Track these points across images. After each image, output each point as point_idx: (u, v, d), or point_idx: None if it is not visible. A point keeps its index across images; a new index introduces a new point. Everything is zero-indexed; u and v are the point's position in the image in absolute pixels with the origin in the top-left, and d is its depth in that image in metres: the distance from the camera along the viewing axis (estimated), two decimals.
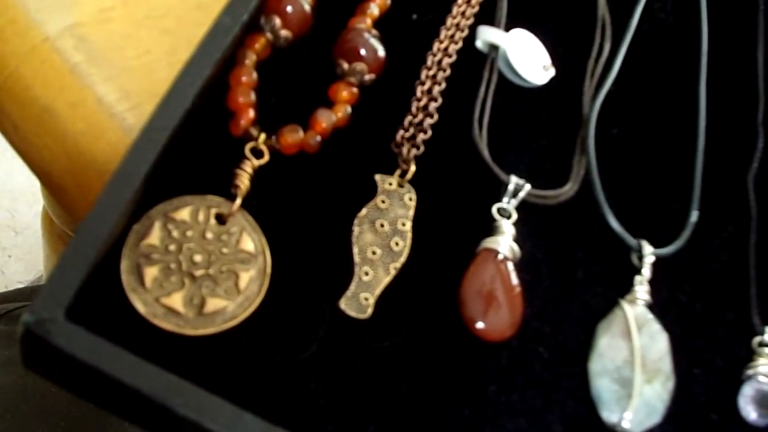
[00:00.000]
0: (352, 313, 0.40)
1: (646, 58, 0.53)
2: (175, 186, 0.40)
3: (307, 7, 0.44)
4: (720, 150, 0.51)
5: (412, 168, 0.43)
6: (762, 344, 0.46)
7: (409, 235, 0.42)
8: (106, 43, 0.46)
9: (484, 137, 0.45)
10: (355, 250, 0.41)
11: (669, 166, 0.50)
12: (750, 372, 0.46)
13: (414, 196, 0.42)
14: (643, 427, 0.42)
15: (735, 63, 0.54)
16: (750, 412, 0.45)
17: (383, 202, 0.42)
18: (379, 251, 0.41)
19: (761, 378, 0.45)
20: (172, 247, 0.39)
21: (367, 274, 0.40)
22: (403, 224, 0.41)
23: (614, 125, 0.50)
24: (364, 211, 0.42)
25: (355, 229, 0.41)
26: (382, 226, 0.41)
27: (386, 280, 0.40)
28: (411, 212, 0.42)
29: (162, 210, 0.40)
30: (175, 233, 0.39)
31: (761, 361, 0.46)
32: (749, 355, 0.47)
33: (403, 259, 0.41)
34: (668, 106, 0.52)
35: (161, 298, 0.38)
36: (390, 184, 0.42)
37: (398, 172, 0.43)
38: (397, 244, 0.41)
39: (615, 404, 0.42)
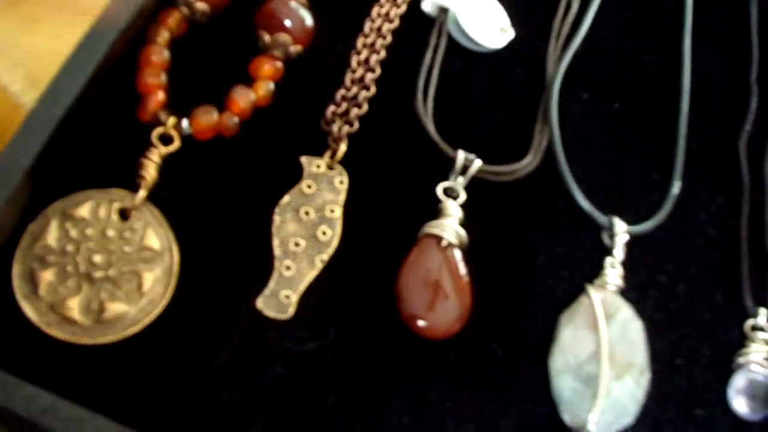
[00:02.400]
0: (271, 314, 0.35)
1: (623, 14, 0.47)
2: (75, 180, 0.36)
3: None
4: (707, 112, 0.45)
5: (342, 147, 0.38)
6: (755, 328, 0.41)
7: (339, 222, 0.37)
8: (14, 27, 0.42)
9: (429, 109, 0.40)
10: (276, 242, 0.36)
11: (648, 132, 0.44)
12: (741, 360, 0.40)
13: (345, 179, 0.38)
14: (613, 429, 0.37)
15: (726, 14, 0.48)
16: (741, 406, 0.39)
17: (309, 187, 0.37)
18: (303, 242, 0.36)
19: (754, 367, 0.40)
20: (69, 248, 0.35)
21: (288, 268, 0.35)
22: (332, 211, 0.37)
23: (585, 89, 0.44)
24: (286, 198, 0.37)
25: (276, 219, 0.37)
26: (307, 214, 0.36)
27: (311, 274, 0.36)
28: (342, 197, 0.37)
29: (59, 207, 0.36)
30: (74, 232, 0.35)
31: (754, 347, 0.41)
32: (741, 342, 0.41)
33: (331, 250, 0.37)
34: (648, 65, 0.46)
35: (56, 305, 0.34)
36: (318, 166, 0.37)
37: (328, 153, 0.38)
38: (324, 233, 0.36)
39: (578, 405, 0.37)
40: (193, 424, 0.34)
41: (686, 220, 0.43)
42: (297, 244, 0.36)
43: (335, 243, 0.37)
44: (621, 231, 0.41)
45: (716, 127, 0.46)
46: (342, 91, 0.40)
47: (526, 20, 0.45)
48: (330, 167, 0.38)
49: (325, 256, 0.37)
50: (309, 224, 0.37)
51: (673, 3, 0.48)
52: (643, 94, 0.46)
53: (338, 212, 0.37)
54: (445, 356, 0.37)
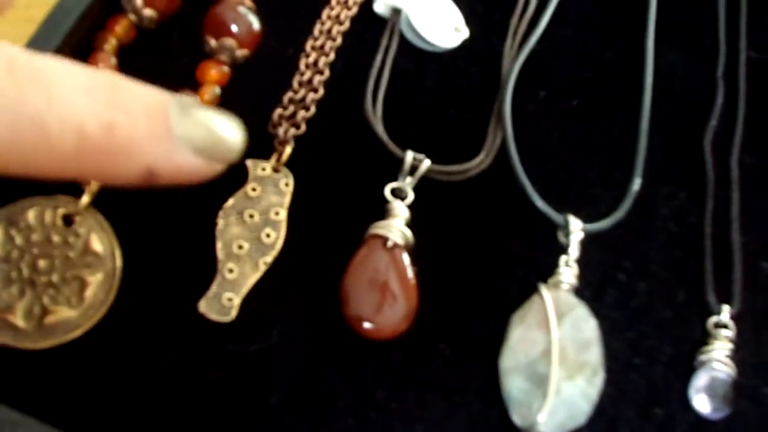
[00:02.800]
0: (214, 316, 0.35)
1: (582, 9, 0.46)
2: (20, 187, 0.36)
3: None
4: (671, 108, 0.45)
5: (288, 150, 0.38)
6: (718, 325, 0.40)
7: (284, 225, 0.37)
8: None
9: (379, 110, 0.40)
10: (219, 245, 0.36)
11: (608, 129, 0.44)
12: (703, 358, 0.40)
13: (291, 182, 0.38)
14: (565, 429, 0.36)
15: (691, 6, 0.48)
16: (703, 405, 0.39)
17: (254, 190, 0.37)
18: (246, 245, 0.36)
19: (716, 365, 0.39)
20: (14, 254, 0.35)
21: (231, 271, 0.35)
22: (277, 213, 0.37)
23: (542, 87, 0.44)
24: (230, 201, 0.37)
25: (220, 222, 0.37)
26: (251, 216, 0.36)
27: (254, 276, 0.36)
28: (286, 199, 0.37)
29: (5, 214, 0.36)
30: (18, 239, 0.35)
31: (717, 344, 0.40)
32: (703, 339, 0.40)
33: (274, 252, 0.37)
34: (609, 61, 0.46)
35: None
36: (263, 169, 0.37)
37: (275, 155, 0.38)
38: (268, 235, 0.36)
39: (528, 405, 0.36)
40: (133, 427, 0.34)
41: (647, 216, 0.43)
42: (240, 247, 0.36)
43: (279, 245, 0.37)
44: (576, 229, 0.40)
45: (680, 123, 0.45)
46: (289, 94, 0.40)
47: (483, 19, 0.45)
48: (275, 170, 0.38)
49: (269, 258, 0.37)
50: (253, 227, 0.37)
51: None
52: (603, 90, 0.45)
53: (283, 215, 0.37)
54: (392, 357, 0.37)
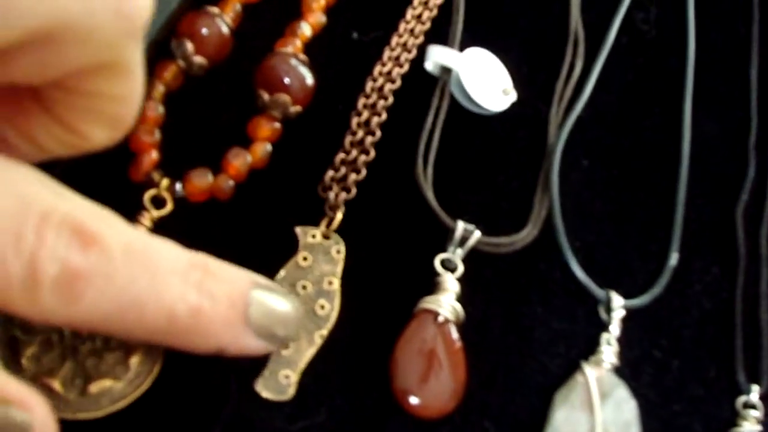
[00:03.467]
0: (271, 395, 0.34)
1: (624, 77, 0.46)
2: None
3: (226, 30, 0.38)
4: (705, 181, 0.45)
5: (339, 216, 0.37)
6: (747, 405, 0.40)
7: (338, 294, 0.36)
8: None
9: (429, 176, 0.39)
10: None
11: (646, 201, 0.43)
12: None
13: (342, 248, 0.37)
14: None
15: (725, 81, 0.48)
16: None
17: (305, 259, 0.36)
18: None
19: None
20: None
21: (287, 346, 0.34)
22: (330, 283, 0.36)
23: (585, 156, 0.43)
24: (282, 272, 0.36)
25: None
26: (304, 288, 0.35)
27: (310, 351, 0.35)
28: (339, 268, 0.36)
29: None
30: None
31: (746, 425, 0.40)
32: (733, 418, 0.40)
33: (330, 324, 0.36)
34: (647, 132, 0.45)
35: (38, 377, 0.32)
36: (313, 236, 0.36)
37: (325, 221, 0.37)
38: (322, 307, 0.35)
39: None
40: None
41: (681, 292, 0.43)
42: None
43: (334, 317, 0.36)
44: (618, 306, 0.40)
45: (713, 195, 0.45)
46: (341, 155, 0.38)
47: (528, 82, 0.44)
48: (326, 236, 0.37)
49: (325, 332, 0.36)
50: (306, 298, 0.36)
51: (675, 65, 0.47)
52: (642, 160, 0.45)
53: (336, 284, 0.36)
54: None
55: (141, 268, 0.25)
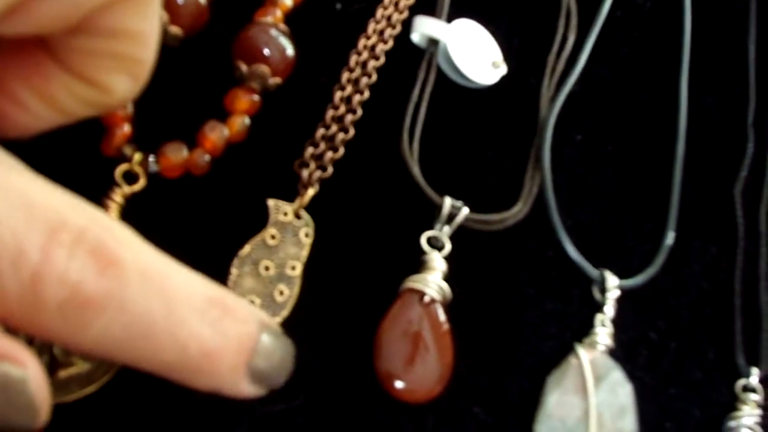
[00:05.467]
0: None
1: (618, 50, 0.45)
2: None
3: None
4: (702, 157, 0.43)
5: (310, 192, 0.35)
6: (747, 388, 0.38)
7: (299, 281, 0.34)
8: None
9: (415, 151, 0.37)
10: None
11: (642, 178, 0.42)
12: (732, 423, 0.39)
13: (311, 232, 0.35)
14: None
15: (722, 56, 0.46)
16: None
17: (273, 237, 0.34)
18: (258, 301, 0.33)
19: (745, 430, 0.37)
20: None
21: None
22: (293, 268, 0.34)
23: (578, 131, 0.42)
24: (246, 248, 0.34)
25: (234, 272, 0.34)
26: (266, 269, 0.33)
27: None
28: (305, 252, 0.34)
29: None
30: None
31: (746, 409, 0.38)
32: (732, 403, 0.38)
33: (285, 312, 0.34)
34: (643, 107, 0.44)
35: None
36: (285, 213, 0.34)
37: (298, 200, 0.35)
38: (281, 293, 0.33)
39: None
40: None
41: (679, 272, 0.41)
42: (252, 302, 0.33)
43: (291, 304, 0.34)
44: (613, 286, 0.38)
45: (711, 172, 0.44)
46: (321, 131, 0.37)
47: (519, 56, 0.42)
48: (298, 215, 0.35)
49: (278, 319, 0.34)
50: (267, 281, 0.34)
51: (671, 39, 0.46)
52: (637, 136, 0.43)
53: (299, 270, 0.34)
54: (424, 421, 0.35)
55: (157, 297, 0.23)
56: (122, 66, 0.26)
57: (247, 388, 0.26)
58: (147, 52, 0.27)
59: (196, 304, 0.24)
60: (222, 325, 0.24)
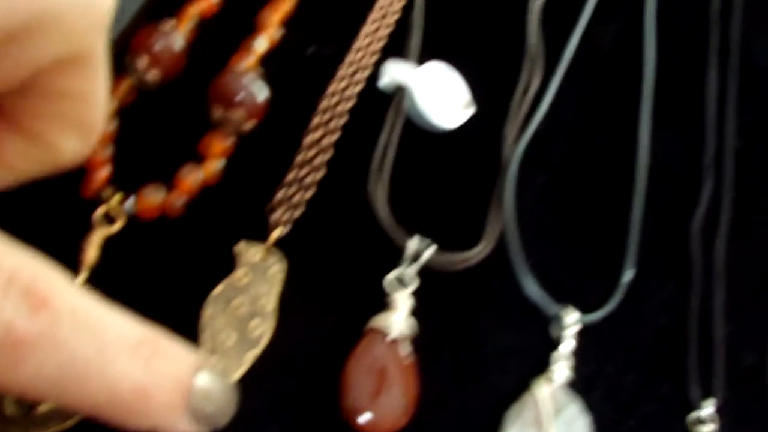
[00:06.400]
0: None
1: (582, 92, 0.46)
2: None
3: (180, 45, 0.39)
4: (661, 196, 0.45)
5: (278, 233, 0.36)
6: (699, 421, 0.40)
7: (272, 317, 0.35)
8: None
9: (382, 193, 0.39)
10: (205, 336, 0.35)
11: (603, 216, 0.44)
12: None
13: (283, 269, 0.36)
14: None
15: (683, 97, 0.48)
16: None
17: (244, 276, 0.36)
18: (234, 336, 0.35)
19: None
20: None
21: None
22: (266, 304, 0.35)
23: (541, 171, 0.43)
24: (219, 288, 0.36)
25: (207, 311, 0.35)
26: (239, 306, 0.35)
27: (239, 371, 0.35)
28: (277, 289, 0.36)
29: None
30: None
31: None
32: None
33: (261, 346, 0.35)
34: (604, 147, 0.45)
35: None
36: (254, 254, 0.36)
37: (270, 240, 0.37)
38: (255, 328, 0.35)
39: None
40: None
41: (636, 308, 0.43)
42: (227, 339, 0.35)
43: (266, 339, 0.36)
44: (571, 322, 0.40)
45: (669, 211, 0.45)
46: (291, 174, 0.38)
47: (486, 98, 0.44)
48: (267, 255, 0.37)
49: (256, 351, 0.35)
50: (240, 318, 0.36)
51: (633, 81, 0.48)
52: (598, 175, 0.45)
53: (272, 305, 0.36)
54: None
55: (88, 337, 0.24)
56: (71, 126, 0.27)
57: (187, 428, 0.26)
58: (95, 113, 0.28)
59: (127, 344, 0.24)
60: (154, 365, 0.25)
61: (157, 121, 0.39)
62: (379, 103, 0.43)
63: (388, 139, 0.41)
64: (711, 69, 0.50)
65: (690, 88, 0.49)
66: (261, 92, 0.39)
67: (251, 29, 0.42)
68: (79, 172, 0.37)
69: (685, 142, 0.48)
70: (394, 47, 0.44)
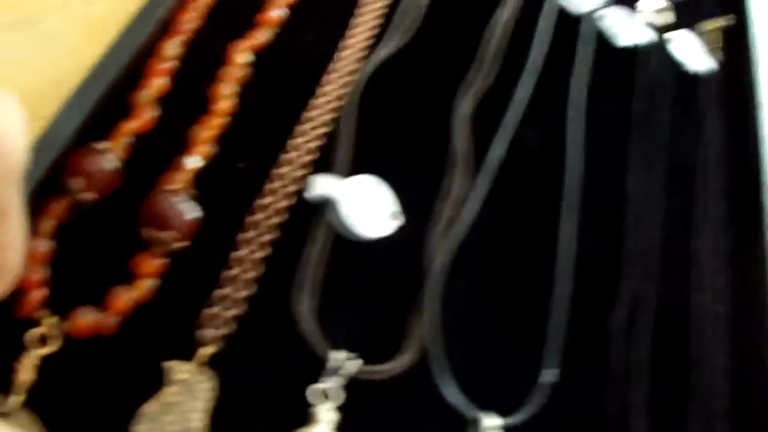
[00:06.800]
0: None
1: (506, 195, 0.49)
2: None
3: (113, 166, 0.40)
4: (581, 296, 0.47)
5: (209, 351, 0.38)
6: None
7: None
8: None
9: (306, 306, 0.41)
10: None
11: (524, 317, 0.46)
12: None
13: (212, 385, 0.38)
14: None
15: (604, 196, 0.50)
16: None
17: (174, 394, 0.37)
18: None
19: None
20: None
21: None
22: (195, 420, 0.37)
23: (464, 276, 0.45)
24: (150, 405, 0.37)
25: (139, 428, 0.37)
26: (170, 423, 0.37)
27: None
28: (206, 404, 0.37)
29: None
30: None
31: None
32: None
33: None
34: (526, 250, 0.48)
35: None
36: (183, 372, 0.38)
37: (197, 358, 0.38)
38: None
39: None
40: None
41: (556, 407, 0.45)
42: None
43: None
44: (491, 426, 0.42)
45: (589, 308, 0.47)
46: (217, 292, 0.40)
47: (412, 205, 0.46)
48: (197, 373, 0.38)
49: None
50: None
51: (556, 180, 0.50)
52: (520, 277, 0.47)
53: (201, 422, 0.38)
54: None
55: None
56: None
57: None
58: (11, 258, 0.29)
59: None
60: None
61: (91, 240, 0.40)
62: (307, 216, 0.44)
63: (315, 251, 0.43)
64: (635, 167, 0.52)
65: (613, 185, 0.51)
66: (190, 212, 0.40)
67: (184, 145, 0.43)
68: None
69: (603, 239, 0.50)
70: (323, 160, 0.46)
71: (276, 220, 0.43)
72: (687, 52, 0.63)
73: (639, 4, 0.65)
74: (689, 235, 0.53)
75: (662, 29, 0.64)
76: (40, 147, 0.39)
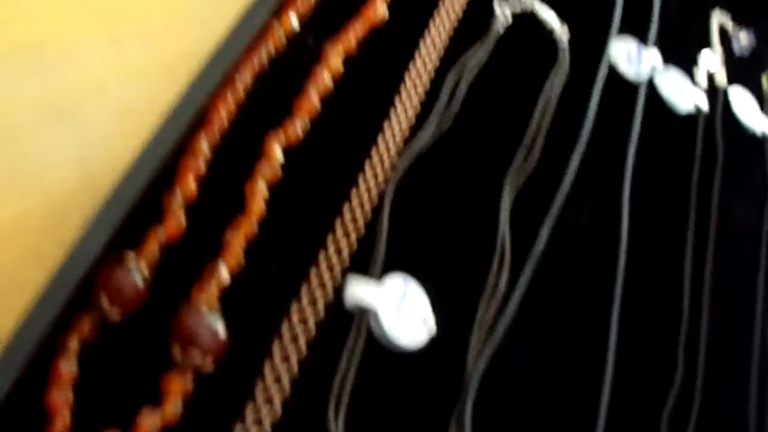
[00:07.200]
0: None
1: (550, 291, 0.46)
2: None
3: (140, 282, 0.39)
4: (631, 387, 0.45)
5: None
6: None
7: None
8: None
9: (341, 424, 0.40)
10: None
11: (572, 414, 0.44)
12: None
13: None
14: None
15: (659, 281, 0.48)
16: None
17: None
18: None
19: None
20: None
21: None
22: None
23: (505, 381, 0.44)
24: None
25: None
26: None
27: None
28: None
29: None
30: None
31: None
32: None
33: None
34: (572, 345, 0.46)
35: None
36: None
37: None
38: None
39: None
40: None
41: None
42: None
43: None
44: None
45: (640, 402, 0.46)
46: (252, 414, 0.39)
47: (449, 309, 0.44)
48: None
49: None
50: None
51: (606, 267, 0.48)
52: (567, 379, 0.45)
53: None
54: None
55: None
56: None
57: None
58: None
59: None
60: None
61: (118, 359, 0.40)
62: (341, 324, 0.43)
63: (348, 365, 0.42)
64: (687, 258, 0.50)
65: (667, 274, 0.49)
66: (220, 330, 0.39)
67: (216, 249, 0.42)
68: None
69: (658, 331, 0.48)
70: (359, 263, 0.45)
71: (309, 336, 0.41)
72: (748, 111, 0.60)
73: (699, 65, 0.62)
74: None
75: (721, 89, 0.61)
76: (69, 261, 0.38)
